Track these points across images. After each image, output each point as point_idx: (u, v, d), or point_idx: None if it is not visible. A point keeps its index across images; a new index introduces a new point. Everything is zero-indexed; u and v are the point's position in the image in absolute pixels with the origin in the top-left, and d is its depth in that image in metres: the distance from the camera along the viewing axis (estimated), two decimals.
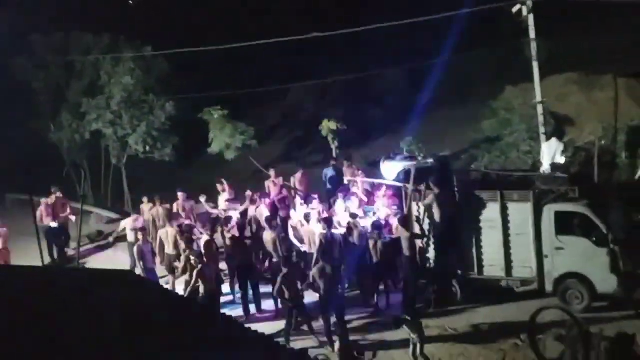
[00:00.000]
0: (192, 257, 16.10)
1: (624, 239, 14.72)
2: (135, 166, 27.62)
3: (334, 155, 24.02)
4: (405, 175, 17.34)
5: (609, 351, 12.04)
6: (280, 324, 15.57)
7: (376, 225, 16.96)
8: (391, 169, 18.06)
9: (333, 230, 17.03)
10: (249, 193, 20.12)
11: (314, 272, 15.25)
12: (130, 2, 43.44)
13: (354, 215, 17.76)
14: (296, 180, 21.50)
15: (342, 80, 31.44)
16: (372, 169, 21.39)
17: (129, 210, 25.46)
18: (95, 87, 26.71)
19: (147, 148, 26.07)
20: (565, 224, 15.27)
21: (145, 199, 21.75)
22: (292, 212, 19.17)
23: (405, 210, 16.98)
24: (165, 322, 8.73)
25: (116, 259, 21.04)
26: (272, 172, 21.78)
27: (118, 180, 27.75)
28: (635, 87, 23.16)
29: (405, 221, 16.34)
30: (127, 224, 19.81)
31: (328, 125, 24.50)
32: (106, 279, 10.95)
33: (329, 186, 21.48)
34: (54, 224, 21.70)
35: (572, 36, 28.63)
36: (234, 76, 33.51)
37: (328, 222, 17.19)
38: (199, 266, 15.70)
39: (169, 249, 18.18)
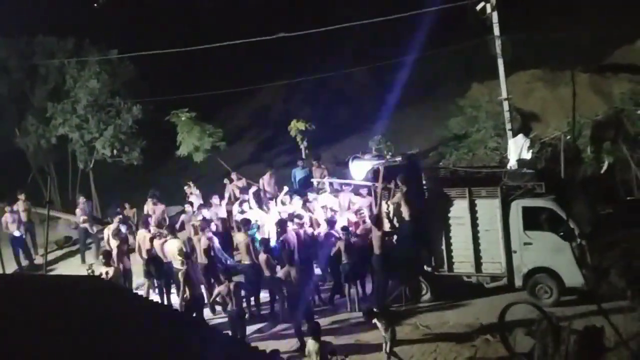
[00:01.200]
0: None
1: (591, 233, 14.86)
2: (103, 170, 27.37)
3: (303, 155, 23.97)
4: (374, 174, 17.36)
5: (578, 344, 12.17)
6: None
7: (343, 227, 17.00)
8: (360, 168, 18.08)
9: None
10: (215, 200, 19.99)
11: (280, 274, 15.26)
12: (95, 4, 43.06)
13: (299, 216, 17.74)
14: (264, 181, 21.44)
15: (310, 80, 31.41)
16: (341, 169, 21.39)
17: (97, 215, 25.20)
18: (61, 91, 26.40)
19: (115, 152, 25.85)
20: (533, 219, 15.37)
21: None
22: (263, 213, 19.11)
23: (375, 209, 17.00)
24: (135, 327, 8.67)
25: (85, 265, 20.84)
26: (233, 176, 21.79)
27: (86, 185, 27.46)
28: (598, 82, 23.43)
29: (377, 220, 16.38)
30: (108, 232, 19.35)
31: (297, 126, 24.42)
32: (75, 285, 10.84)
33: (297, 187, 21.45)
34: (17, 233, 21.39)
35: (536, 32, 28.83)
36: (202, 78, 33.35)
37: (282, 224, 17.15)
38: (184, 268, 15.53)
39: (144, 253, 17.97)
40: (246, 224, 17.48)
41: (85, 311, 8.82)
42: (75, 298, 9.56)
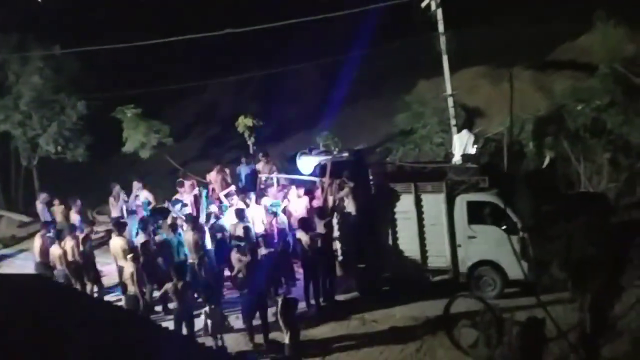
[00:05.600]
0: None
1: (532, 226, 15.18)
2: (47, 167, 26.93)
3: (251, 151, 23.94)
4: (321, 169, 17.46)
5: (520, 335, 12.48)
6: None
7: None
8: (307, 164, 18.18)
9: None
10: None
11: (239, 267, 15.18)
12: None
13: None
14: (211, 177, 21.35)
15: (258, 76, 31.35)
16: (289, 164, 21.42)
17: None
18: (3, 87, 25.92)
19: (59, 148, 25.50)
20: (477, 213, 15.61)
21: (56, 201, 21.22)
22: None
23: (321, 202, 17.14)
24: (78, 326, 8.59)
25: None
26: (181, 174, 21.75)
27: (29, 183, 26.99)
28: (541, 79, 23.89)
29: (321, 213, 16.52)
30: None
31: (244, 122, 24.32)
32: (15, 284, 10.67)
33: (243, 184, 21.40)
34: None
35: (480, 29, 29.28)
36: (148, 73, 32.99)
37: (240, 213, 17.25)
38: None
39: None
40: (194, 221, 17.38)
41: (30, 310, 8.71)
42: (19, 297, 9.43)
